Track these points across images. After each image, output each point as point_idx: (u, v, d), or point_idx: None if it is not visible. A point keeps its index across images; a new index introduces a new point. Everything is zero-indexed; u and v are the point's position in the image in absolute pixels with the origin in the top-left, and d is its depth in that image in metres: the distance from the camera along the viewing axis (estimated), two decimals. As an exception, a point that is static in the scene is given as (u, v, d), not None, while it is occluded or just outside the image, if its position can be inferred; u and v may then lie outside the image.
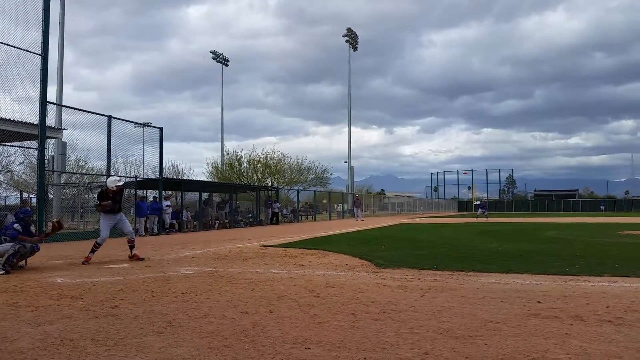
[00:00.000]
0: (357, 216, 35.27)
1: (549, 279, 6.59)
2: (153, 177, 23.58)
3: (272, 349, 3.50)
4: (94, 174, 22.82)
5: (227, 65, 63.32)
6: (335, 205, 50.31)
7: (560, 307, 4.80)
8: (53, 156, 20.49)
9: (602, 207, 78.84)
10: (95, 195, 10.12)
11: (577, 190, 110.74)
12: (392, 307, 4.89)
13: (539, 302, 5.02)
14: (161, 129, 20.40)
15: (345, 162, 61.14)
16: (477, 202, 45.39)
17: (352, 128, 61.05)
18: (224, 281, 6.63)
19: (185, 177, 41.37)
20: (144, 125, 23.20)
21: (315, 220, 38.03)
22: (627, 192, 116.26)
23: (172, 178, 36.22)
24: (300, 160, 44.02)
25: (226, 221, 26.20)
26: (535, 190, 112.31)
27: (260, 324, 4.20)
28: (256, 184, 38.83)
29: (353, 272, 7.52)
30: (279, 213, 32.35)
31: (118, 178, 10.02)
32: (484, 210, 38.68)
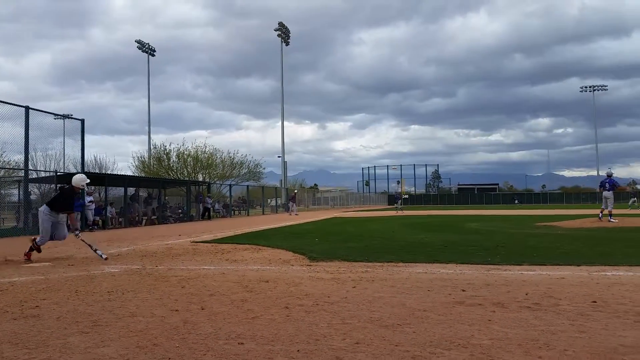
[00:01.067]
0: (292, 211, 35.43)
1: (472, 269, 6.93)
2: (75, 171, 22.42)
3: (204, 345, 3.44)
4: (10, 168, 21.35)
5: (153, 55, 61.43)
6: (269, 200, 50.12)
7: (483, 295, 5.06)
8: (-37, 149, 18.96)
9: (517, 201, 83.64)
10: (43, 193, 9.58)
11: (497, 184, 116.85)
12: (325, 299, 4.95)
13: (463, 291, 5.27)
14: (83, 121, 19.42)
15: (279, 156, 61.10)
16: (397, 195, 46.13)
17: (285, 123, 61.03)
18: (153, 279, 6.44)
19: (109, 172, 39.65)
20: (65, 117, 21.99)
21: (248, 215, 37.69)
22: (543, 186, 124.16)
23: (95, 172, 34.61)
24: (232, 155, 43.41)
25: (154, 217, 25.38)
26: (459, 184, 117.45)
27: (192, 321, 4.12)
28: (186, 178, 37.88)
29: (287, 266, 7.54)
30: (211, 208, 31.77)
31: (85, 177, 9.45)
32: (398, 202, 39.66)
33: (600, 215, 16.81)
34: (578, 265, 6.97)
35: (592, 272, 6.36)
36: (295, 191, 43.94)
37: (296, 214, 33.62)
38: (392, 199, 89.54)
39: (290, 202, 37.27)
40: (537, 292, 5.15)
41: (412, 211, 41.49)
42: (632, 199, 41.25)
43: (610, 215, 16.70)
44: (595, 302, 4.61)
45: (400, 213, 34.03)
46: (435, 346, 3.35)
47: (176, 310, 4.55)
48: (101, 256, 8.62)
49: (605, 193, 16.97)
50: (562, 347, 3.27)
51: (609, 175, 17.57)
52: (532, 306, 4.49)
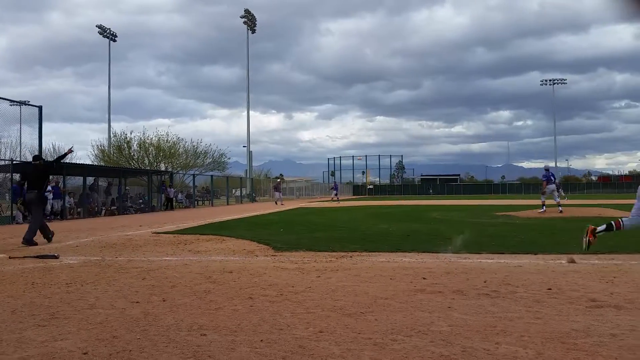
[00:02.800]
0: (278, 200, 35.14)
1: (433, 257, 7.07)
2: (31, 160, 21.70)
3: (165, 337, 3.40)
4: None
5: (114, 40, 59.97)
6: (234, 190, 49.67)
7: (443, 282, 5.17)
8: None
9: (431, 191, 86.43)
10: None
11: (459, 175, 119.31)
12: (289, 289, 4.96)
13: (424, 279, 5.37)
14: (40, 108, 18.77)
15: (244, 146, 60.59)
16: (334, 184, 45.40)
17: (251, 112, 60.53)
18: (112, 270, 6.30)
19: (67, 160, 38.49)
20: (21, 103, 21.21)
21: (212, 205, 37.30)
22: (503, 177, 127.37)
23: (52, 161, 33.50)
24: (196, 144, 42.77)
25: (114, 207, 24.80)
26: (422, 175, 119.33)
27: (153, 313, 4.06)
28: (148, 167, 37.13)
29: (251, 256, 7.51)
30: (174, 198, 31.27)
31: None
32: (336, 192, 39.87)
33: (560, 208, 17.37)
34: (535, 254, 7.20)
35: (548, 261, 6.59)
36: (278, 180, 43.51)
37: (282, 204, 33.18)
38: (358, 189, 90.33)
39: (278, 192, 36.62)
40: (496, 279, 5.30)
41: (372, 201, 41.85)
42: (560, 190, 42.49)
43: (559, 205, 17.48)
44: (550, 289, 4.77)
45: (335, 204, 33.79)
46: (397, 333, 3.41)
47: (137, 302, 4.47)
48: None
49: (552, 186, 17.67)
50: (519, 333, 3.38)
51: (548, 169, 18.28)
52: (491, 293, 4.62)
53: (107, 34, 58.80)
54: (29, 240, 9.29)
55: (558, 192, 18.61)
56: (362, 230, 11.80)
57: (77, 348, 3.18)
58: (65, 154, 11.03)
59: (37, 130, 18.80)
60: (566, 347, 3.08)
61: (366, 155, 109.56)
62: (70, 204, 22.08)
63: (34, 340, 3.35)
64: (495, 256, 7.09)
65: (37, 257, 7.53)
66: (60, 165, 24.52)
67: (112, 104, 58.41)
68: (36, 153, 19.52)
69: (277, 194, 36.41)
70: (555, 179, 17.82)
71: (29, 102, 20.36)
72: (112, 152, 41.32)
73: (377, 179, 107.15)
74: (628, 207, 7.11)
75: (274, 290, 4.92)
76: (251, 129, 59.46)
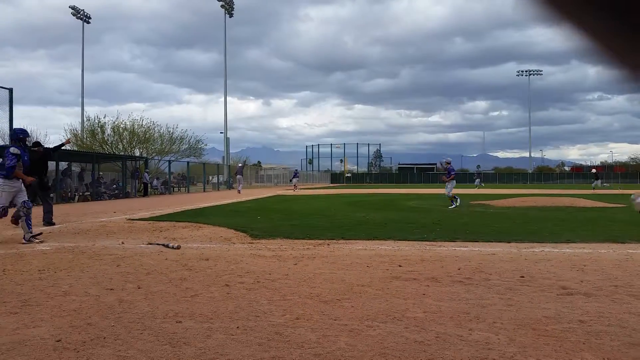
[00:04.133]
0: (239, 185, 33.39)
1: (409, 245, 7.15)
2: (1, 144, 21.16)
3: (140, 324, 3.37)
4: None
5: (88, 22, 58.55)
6: (210, 177, 49.25)
7: (418, 270, 5.24)
8: None
9: (368, 180, 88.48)
10: None
11: (435, 164, 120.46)
12: (266, 276, 4.97)
13: (400, 266, 5.43)
14: (11, 90, 18.23)
15: (221, 132, 60.05)
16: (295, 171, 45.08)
17: (228, 98, 59.85)
18: (86, 257, 6.21)
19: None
20: (-11, 85, 20.62)
21: (188, 192, 36.94)
22: (478, 166, 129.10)
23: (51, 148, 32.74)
24: (171, 129, 42.12)
25: (87, 193, 24.37)
26: (399, 164, 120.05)
27: (127, 300, 4.02)
28: (122, 153, 36.52)
29: (228, 243, 7.48)
30: (149, 184, 30.82)
31: None
32: (297, 179, 39.69)
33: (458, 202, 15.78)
34: (508, 242, 7.33)
35: (521, 249, 6.72)
36: (240, 164, 42.76)
37: (239, 191, 31.94)
38: (336, 177, 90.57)
39: (239, 176, 34.88)
40: (469, 267, 5.39)
41: (350, 190, 42.04)
42: (477, 180, 43.55)
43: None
44: (523, 276, 4.88)
45: (296, 192, 33.69)
46: (372, 319, 3.44)
47: (111, 289, 4.42)
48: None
49: (454, 181, 15.91)
50: (491, 319, 3.45)
51: (450, 163, 16.45)
52: (464, 281, 4.70)
53: (81, 15, 57.35)
54: (49, 223, 10.39)
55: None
56: (340, 218, 11.84)
57: (50, 335, 3.13)
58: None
59: (7, 113, 18.28)
60: (537, 333, 3.16)
61: (344, 144, 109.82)
62: (42, 190, 21.59)
63: (5, 328, 3.28)
64: (470, 244, 7.20)
65: (162, 245, 7.22)
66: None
67: (85, 87, 57.20)
68: (6, 138, 19.05)
69: (238, 177, 33.55)
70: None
71: (-2, 84, 19.79)
72: (85, 136, 40.47)
73: (355, 167, 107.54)
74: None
75: (251, 277, 4.92)
76: (229, 116, 59.02)
